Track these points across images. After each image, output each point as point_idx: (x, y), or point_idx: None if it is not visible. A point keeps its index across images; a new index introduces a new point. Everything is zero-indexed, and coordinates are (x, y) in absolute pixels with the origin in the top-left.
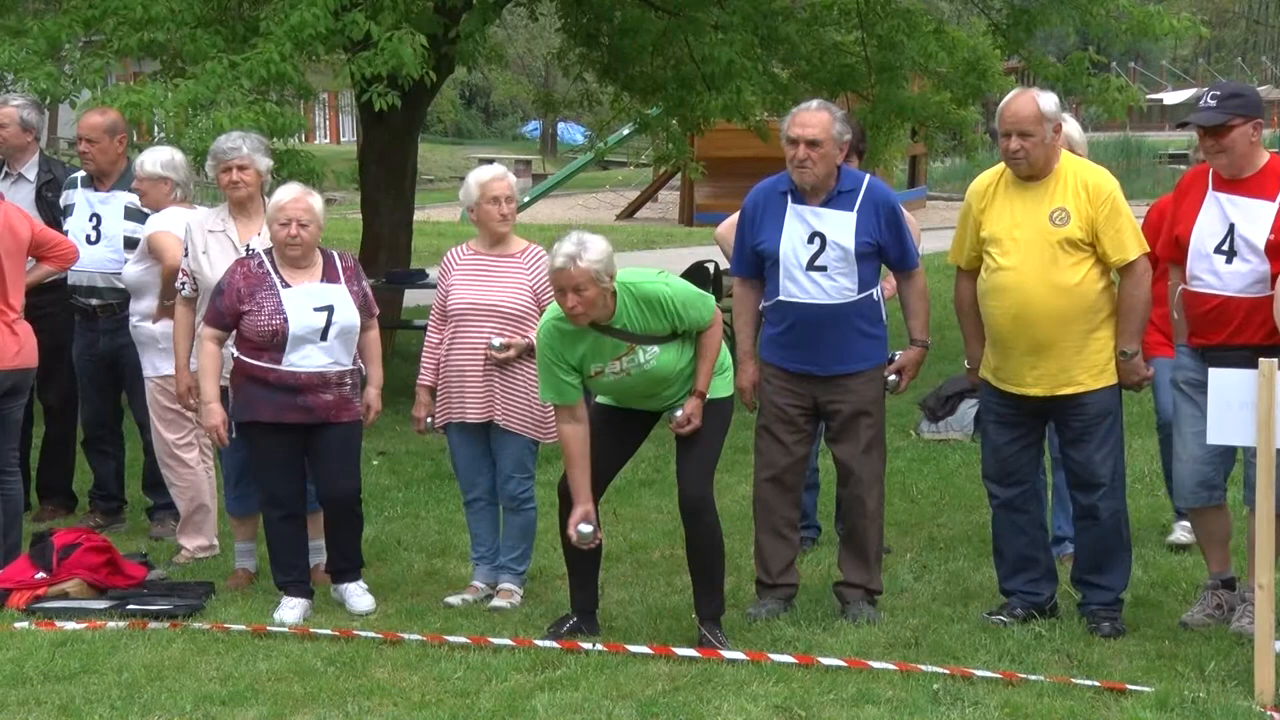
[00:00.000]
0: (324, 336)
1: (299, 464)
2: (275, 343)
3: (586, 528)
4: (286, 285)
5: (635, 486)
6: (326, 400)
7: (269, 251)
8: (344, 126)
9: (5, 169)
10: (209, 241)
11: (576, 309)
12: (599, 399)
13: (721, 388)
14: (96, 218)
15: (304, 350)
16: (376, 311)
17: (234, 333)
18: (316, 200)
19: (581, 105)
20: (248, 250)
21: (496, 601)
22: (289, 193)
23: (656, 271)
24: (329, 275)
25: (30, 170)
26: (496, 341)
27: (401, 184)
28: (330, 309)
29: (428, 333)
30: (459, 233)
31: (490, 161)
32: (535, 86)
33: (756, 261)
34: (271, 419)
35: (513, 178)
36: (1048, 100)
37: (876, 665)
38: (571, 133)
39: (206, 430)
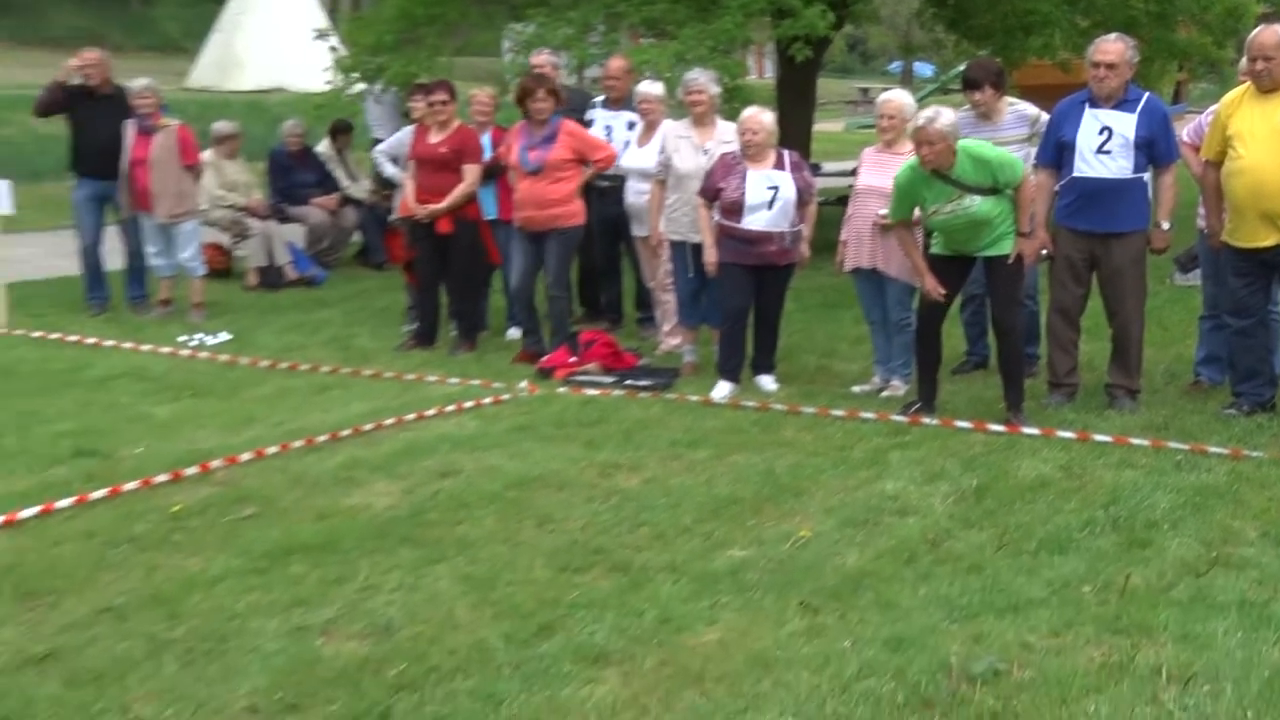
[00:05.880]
0: (770, 206)
1: (750, 290)
2: (736, 208)
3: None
4: (749, 171)
5: (954, 318)
6: (771, 250)
7: (743, 149)
8: (766, 66)
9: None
10: (679, 144)
11: (928, 156)
12: (932, 250)
13: (1009, 246)
14: (608, 129)
15: (757, 215)
16: (814, 193)
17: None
18: (767, 116)
19: (932, 48)
20: (704, 150)
21: (886, 392)
22: (749, 111)
23: (986, 143)
24: (779, 165)
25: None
26: (881, 210)
27: (806, 106)
28: (776, 189)
29: (849, 206)
30: (842, 139)
31: (865, 91)
32: (899, 36)
33: (1058, 152)
34: (734, 260)
35: (905, 100)
36: None
37: (1135, 441)
38: (924, 69)
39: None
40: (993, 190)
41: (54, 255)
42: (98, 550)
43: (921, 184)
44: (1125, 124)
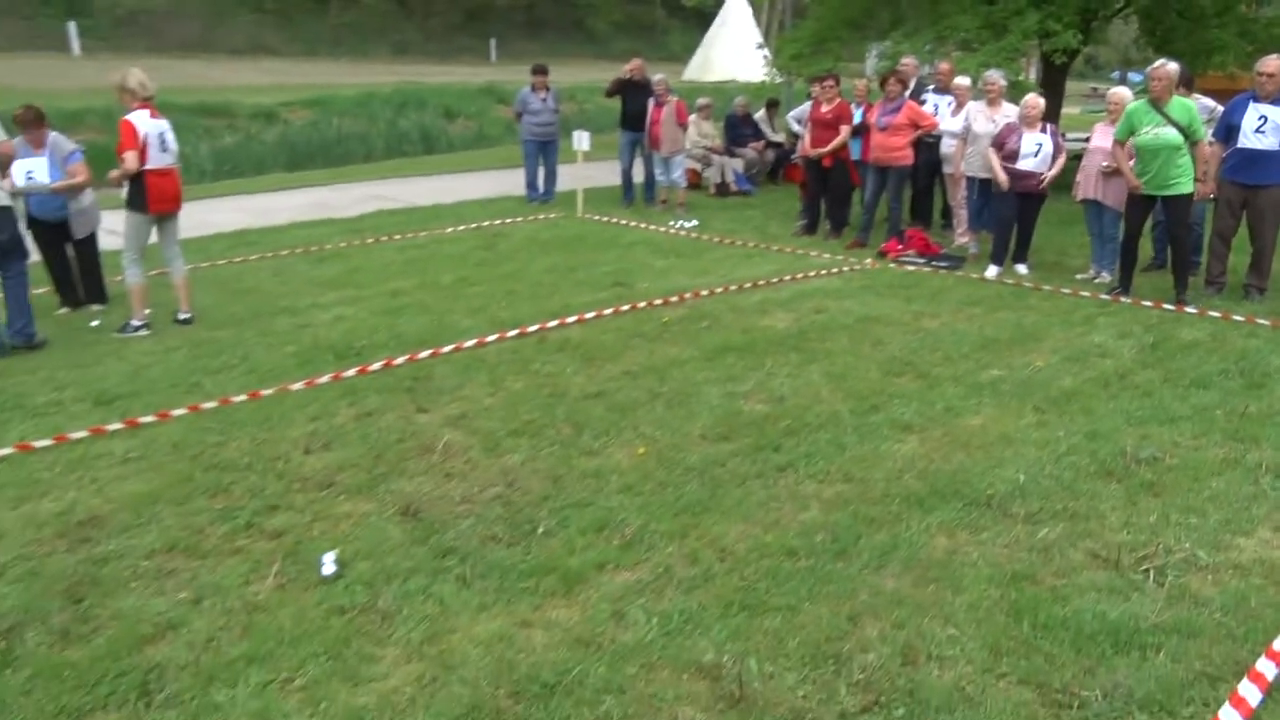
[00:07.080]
0: (1035, 155)
1: (1016, 208)
2: (1013, 155)
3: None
4: (1024, 133)
5: (1146, 235)
6: (1032, 184)
7: (1022, 118)
8: (1032, 70)
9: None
10: (977, 115)
11: (1155, 87)
12: (1139, 175)
13: (1189, 186)
14: (936, 106)
15: (1026, 160)
16: (1064, 152)
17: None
18: (1041, 100)
19: (1142, 62)
20: (993, 121)
21: (1098, 280)
22: (1032, 95)
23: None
24: (1043, 130)
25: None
26: (1103, 164)
27: (1058, 97)
28: (1040, 145)
29: (1082, 159)
30: (1079, 119)
31: (1095, 89)
32: (1120, 53)
33: (1227, 131)
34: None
35: (1125, 93)
36: None
37: (1260, 321)
38: (1135, 75)
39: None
40: (1183, 131)
41: (607, 174)
42: (623, 340)
43: (1142, 111)
44: (1277, 113)
